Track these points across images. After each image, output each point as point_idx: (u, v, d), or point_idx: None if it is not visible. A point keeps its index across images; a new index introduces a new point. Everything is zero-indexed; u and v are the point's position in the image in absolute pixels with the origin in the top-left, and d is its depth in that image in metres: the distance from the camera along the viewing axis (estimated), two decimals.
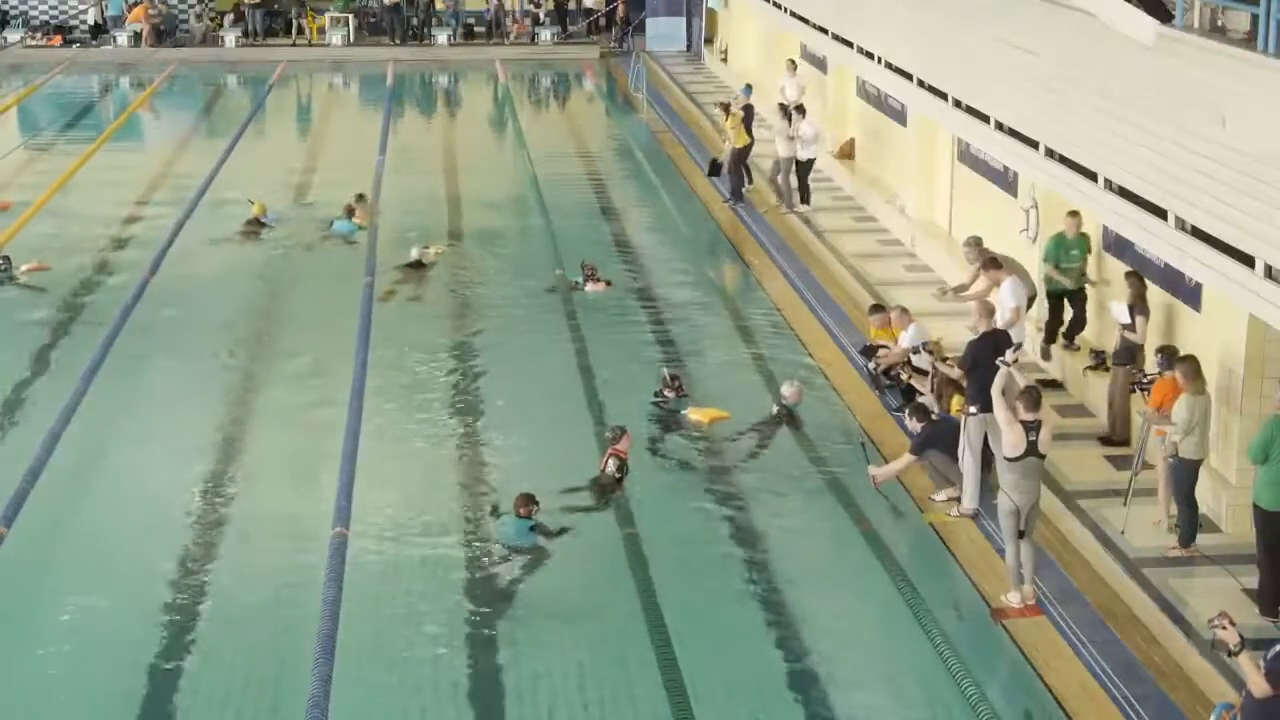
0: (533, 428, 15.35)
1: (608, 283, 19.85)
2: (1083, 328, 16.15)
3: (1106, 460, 14.09)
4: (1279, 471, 11.26)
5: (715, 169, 25.18)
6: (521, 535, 12.79)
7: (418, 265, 20.98)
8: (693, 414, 15.50)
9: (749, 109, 25.83)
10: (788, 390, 15.68)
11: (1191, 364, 12.31)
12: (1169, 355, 12.87)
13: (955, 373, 14.01)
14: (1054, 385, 15.77)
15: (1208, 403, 12.35)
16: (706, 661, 11.05)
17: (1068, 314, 16.17)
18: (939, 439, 13.61)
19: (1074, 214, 15.63)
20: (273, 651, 11.27)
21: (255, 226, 22.90)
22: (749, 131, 24.57)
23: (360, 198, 23.48)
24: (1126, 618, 11.56)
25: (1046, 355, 16.39)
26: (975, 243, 16.53)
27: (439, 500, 13.76)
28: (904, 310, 16.50)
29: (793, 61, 27.33)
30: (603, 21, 42.13)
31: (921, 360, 15.39)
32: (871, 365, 16.17)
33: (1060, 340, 16.28)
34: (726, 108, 25.08)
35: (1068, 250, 15.77)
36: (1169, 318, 14.39)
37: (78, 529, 13.39)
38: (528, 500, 12.96)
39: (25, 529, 12.55)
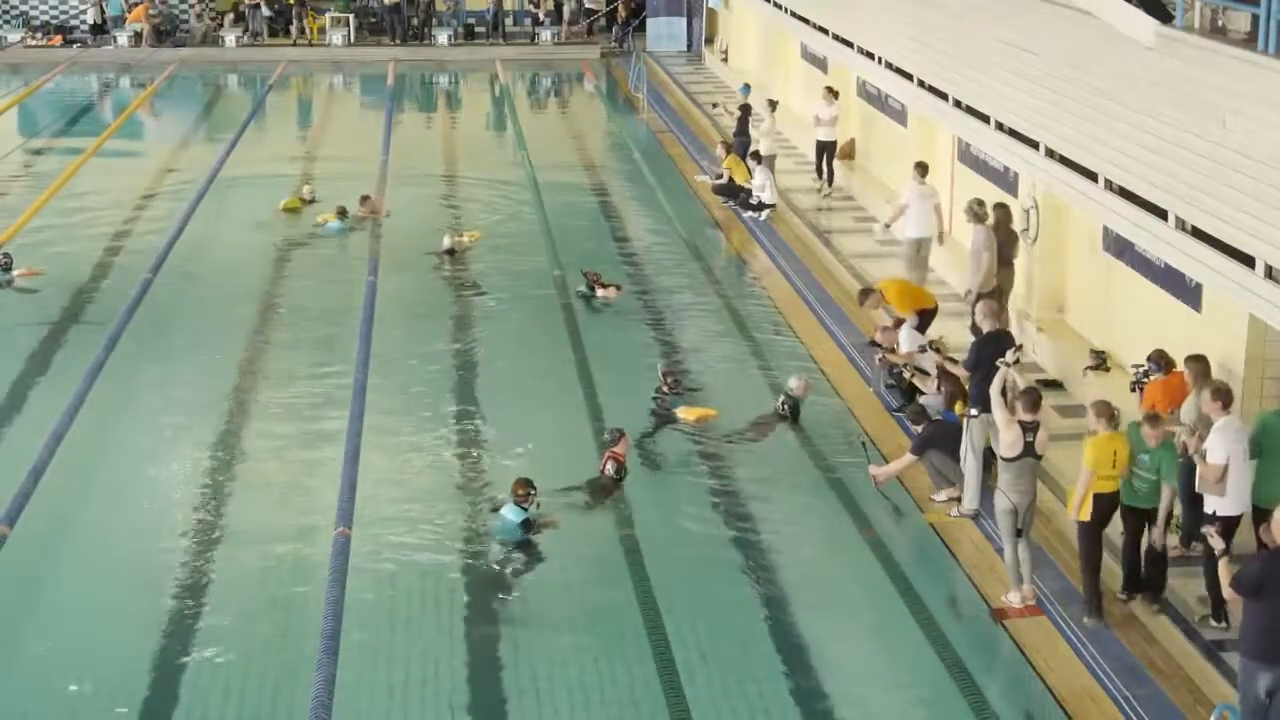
0: (532, 429, 15.34)
1: (618, 287, 19.72)
2: (1163, 581, 11.69)
3: None
4: (1271, 466, 11.29)
5: (744, 193, 24.23)
6: (511, 531, 12.84)
7: (449, 253, 21.02)
8: (682, 412, 15.51)
9: (746, 108, 25.83)
10: (795, 383, 15.65)
11: (1200, 364, 12.17)
12: (1160, 359, 12.87)
13: (961, 372, 13.98)
14: (1054, 385, 15.77)
15: None
16: (705, 661, 11.07)
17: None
18: (940, 439, 13.61)
19: (1154, 418, 11.48)
20: (275, 651, 11.27)
21: (299, 206, 23.63)
22: (746, 134, 24.47)
23: (364, 199, 23.50)
24: (1126, 618, 11.57)
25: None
26: (978, 204, 16.67)
27: (440, 500, 13.77)
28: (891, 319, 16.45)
29: (831, 90, 24.62)
30: (603, 21, 42.14)
31: (925, 360, 15.39)
32: (879, 357, 16.09)
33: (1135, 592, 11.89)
34: (729, 147, 24.93)
35: (1137, 457, 11.51)
36: (1169, 318, 14.40)
37: (80, 528, 13.41)
38: (525, 484, 13.03)
39: (28, 529, 12.55)
